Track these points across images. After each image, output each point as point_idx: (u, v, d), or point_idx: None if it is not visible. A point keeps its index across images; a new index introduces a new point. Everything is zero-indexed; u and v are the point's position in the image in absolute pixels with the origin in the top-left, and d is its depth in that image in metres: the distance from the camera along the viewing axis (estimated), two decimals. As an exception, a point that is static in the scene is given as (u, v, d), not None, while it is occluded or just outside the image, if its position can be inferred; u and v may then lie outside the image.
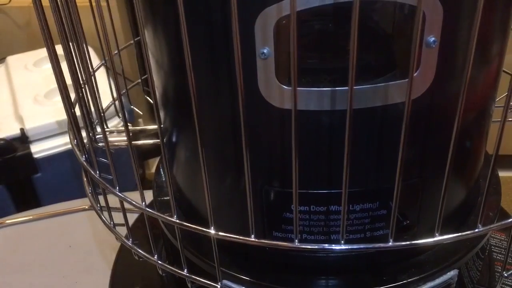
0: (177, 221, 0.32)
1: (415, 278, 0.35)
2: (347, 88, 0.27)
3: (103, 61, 0.48)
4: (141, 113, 0.52)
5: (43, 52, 1.05)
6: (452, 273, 0.35)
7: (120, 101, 0.30)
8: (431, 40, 0.26)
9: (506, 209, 0.49)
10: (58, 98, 0.91)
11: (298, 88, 0.25)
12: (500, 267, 0.46)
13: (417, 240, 0.31)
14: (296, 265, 0.36)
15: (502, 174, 0.42)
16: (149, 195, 0.36)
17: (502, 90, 0.38)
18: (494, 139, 0.30)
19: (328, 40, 0.30)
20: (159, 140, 0.49)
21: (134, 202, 0.33)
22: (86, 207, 0.67)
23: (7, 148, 0.81)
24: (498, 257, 0.48)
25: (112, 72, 0.35)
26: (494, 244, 0.49)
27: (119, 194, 0.34)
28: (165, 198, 0.43)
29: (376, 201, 0.33)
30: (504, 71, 0.39)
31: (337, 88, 0.28)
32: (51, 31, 0.33)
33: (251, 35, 0.27)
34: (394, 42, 0.30)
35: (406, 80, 0.28)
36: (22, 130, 0.83)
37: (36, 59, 1.03)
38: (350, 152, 0.27)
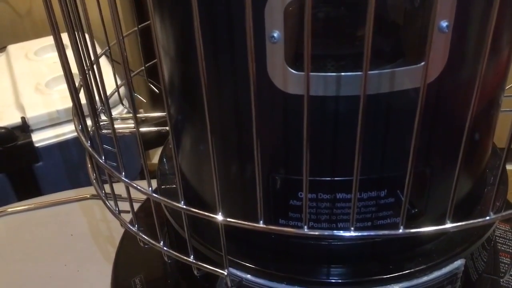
0: (184, 207, 0.32)
1: (422, 267, 0.35)
2: (359, 73, 0.27)
3: (107, 48, 0.47)
4: (144, 100, 0.52)
5: (44, 41, 1.04)
6: (459, 262, 0.35)
7: (129, 85, 0.30)
8: (444, 25, 0.26)
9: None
10: (59, 87, 0.91)
11: (311, 73, 0.25)
12: (504, 258, 0.46)
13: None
14: (302, 253, 0.36)
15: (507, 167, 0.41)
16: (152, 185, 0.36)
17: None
18: (502, 129, 0.30)
19: (339, 24, 0.29)
20: (163, 128, 0.49)
21: (140, 188, 0.33)
22: (88, 196, 0.67)
23: (8, 136, 0.81)
24: (502, 248, 0.48)
25: (118, 62, 0.34)
26: (499, 235, 0.49)
27: (125, 179, 0.34)
28: (169, 186, 0.43)
29: (383, 189, 0.33)
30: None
31: (348, 73, 0.28)
32: (56, 16, 0.33)
33: (261, 19, 0.27)
34: (404, 27, 0.30)
35: (417, 65, 0.28)
36: (23, 119, 0.83)
37: (37, 48, 1.02)
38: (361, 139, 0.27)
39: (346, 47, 0.30)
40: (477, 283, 0.41)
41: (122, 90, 0.53)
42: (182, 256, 0.35)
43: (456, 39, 0.27)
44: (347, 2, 0.28)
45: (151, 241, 0.36)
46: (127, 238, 0.55)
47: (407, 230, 0.29)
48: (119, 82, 0.52)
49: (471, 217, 0.31)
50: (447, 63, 0.28)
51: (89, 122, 0.38)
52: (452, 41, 0.27)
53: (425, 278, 0.35)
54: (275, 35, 0.27)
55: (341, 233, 0.30)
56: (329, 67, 0.29)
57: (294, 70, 0.28)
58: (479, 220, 0.29)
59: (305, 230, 0.29)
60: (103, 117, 0.44)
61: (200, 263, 0.35)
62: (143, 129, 0.47)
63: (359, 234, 0.30)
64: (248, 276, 0.35)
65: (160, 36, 0.34)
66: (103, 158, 0.35)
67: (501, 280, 0.42)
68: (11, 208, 0.67)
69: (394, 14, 0.29)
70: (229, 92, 0.32)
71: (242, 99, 0.31)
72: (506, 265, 0.45)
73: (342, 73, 0.28)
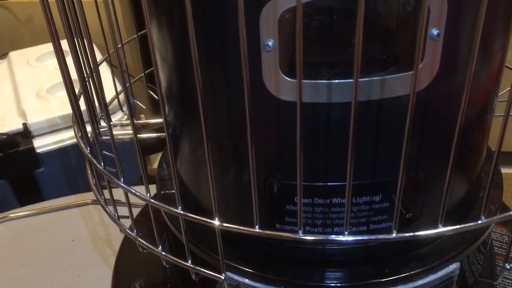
0: (182, 212, 0.33)
1: (417, 270, 0.35)
2: (351, 80, 0.28)
3: (107, 55, 0.48)
4: (144, 107, 0.52)
5: (45, 48, 1.05)
6: (454, 266, 0.36)
7: (127, 92, 0.30)
8: (435, 33, 0.27)
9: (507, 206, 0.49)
10: (60, 93, 0.92)
11: (304, 81, 0.25)
12: (501, 261, 0.47)
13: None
14: (299, 257, 0.37)
15: (503, 170, 0.42)
16: (151, 191, 0.36)
17: (504, 85, 0.39)
18: (496, 134, 0.30)
19: (331, 33, 0.30)
20: (162, 134, 0.50)
21: (139, 194, 0.33)
22: (89, 201, 0.67)
23: (10, 142, 0.81)
24: (499, 252, 0.48)
25: (116, 66, 0.35)
26: (495, 238, 0.50)
27: (124, 185, 0.34)
28: (168, 191, 0.43)
29: (378, 194, 0.33)
30: (506, 66, 0.39)
31: (341, 81, 0.28)
32: (56, 24, 0.34)
33: (256, 27, 0.27)
34: (397, 35, 0.30)
35: (409, 73, 0.28)
36: (24, 125, 0.83)
37: (38, 54, 1.03)
38: (354, 145, 0.27)
39: (339, 54, 0.30)
40: (473, 286, 0.42)
41: (122, 96, 0.53)
42: (180, 261, 0.36)
43: (448, 47, 0.28)
44: (339, 11, 0.28)
45: (149, 246, 0.37)
46: (127, 243, 0.56)
47: (400, 234, 0.30)
48: (119, 88, 0.53)
49: (466, 221, 0.32)
50: (439, 70, 0.29)
51: (89, 128, 0.39)
52: (443, 48, 0.28)
53: (420, 282, 0.35)
54: (270, 43, 0.27)
55: (336, 237, 0.31)
56: (323, 74, 0.29)
57: (288, 77, 0.28)
58: (471, 224, 0.29)
59: (300, 234, 0.29)
60: (103, 123, 0.45)
61: (197, 268, 0.35)
62: (142, 135, 0.48)
63: (353, 238, 0.30)
64: (246, 280, 0.36)
65: (158, 44, 0.34)
66: (102, 164, 0.36)
67: (496, 283, 0.43)
68: (13, 213, 0.67)
69: (386, 22, 0.29)
70: (225, 99, 0.32)
71: (238, 106, 0.32)
72: (503, 269, 0.46)
73: (336, 80, 0.28)
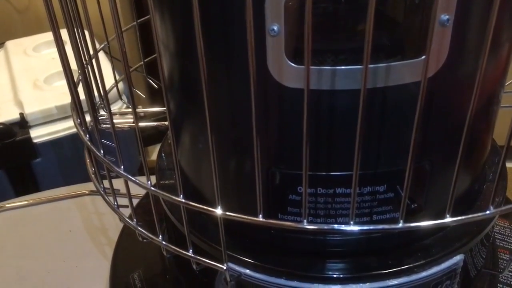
0: (183, 200, 0.32)
1: (421, 262, 0.35)
2: (359, 67, 0.27)
3: (106, 43, 0.47)
4: (143, 96, 0.52)
5: (42, 37, 1.04)
6: (458, 257, 0.35)
7: (128, 79, 0.30)
8: (445, 19, 0.26)
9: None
10: (57, 83, 0.91)
11: (310, 67, 0.25)
12: (503, 254, 0.46)
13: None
14: (301, 248, 0.36)
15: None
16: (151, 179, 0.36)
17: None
18: (501, 126, 0.30)
19: (339, 18, 0.29)
20: (162, 123, 0.49)
21: (139, 182, 0.33)
22: (86, 191, 0.67)
23: (7, 132, 0.81)
24: (501, 244, 0.48)
25: (115, 57, 0.34)
26: (497, 231, 0.49)
27: (124, 173, 0.33)
28: (167, 182, 0.43)
29: (383, 184, 0.33)
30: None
31: (349, 67, 0.27)
32: (55, 10, 0.33)
33: (261, 11, 0.27)
34: (404, 21, 0.30)
35: (417, 59, 0.28)
36: (21, 114, 0.83)
37: (35, 44, 1.02)
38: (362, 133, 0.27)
39: (346, 40, 0.29)
40: (475, 279, 0.41)
41: (120, 85, 0.53)
42: (181, 251, 0.35)
43: (457, 33, 0.27)
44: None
45: (150, 235, 0.36)
46: (126, 234, 0.55)
47: (407, 224, 0.29)
48: (117, 78, 0.52)
49: (470, 212, 0.31)
50: (448, 57, 0.28)
51: (87, 117, 0.38)
52: (453, 35, 0.27)
53: (424, 274, 0.35)
54: (275, 28, 0.27)
55: (341, 227, 0.30)
56: (328, 60, 0.29)
57: (294, 63, 0.28)
58: (480, 214, 0.29)
59: (305, 224, 0.29)
60: (102, 113, 0.44)
61: (199, 258, 0.35)
62: (141, 124, 0.47)
63: (359, 228, 0.30)
64: (247, 271, 0.35)
65: (159, 31, 0.34)
66: (102, 152, 0.35)
67: (500, 275, 0.42)
68: (9, 203, 0.67)
69: (395, 8, 0.28)
70: (229, 86, 0.32)
71: (242, 93, 0.31)
72: (505, 261, 0.45)
73: (342, 67, 0.28)
